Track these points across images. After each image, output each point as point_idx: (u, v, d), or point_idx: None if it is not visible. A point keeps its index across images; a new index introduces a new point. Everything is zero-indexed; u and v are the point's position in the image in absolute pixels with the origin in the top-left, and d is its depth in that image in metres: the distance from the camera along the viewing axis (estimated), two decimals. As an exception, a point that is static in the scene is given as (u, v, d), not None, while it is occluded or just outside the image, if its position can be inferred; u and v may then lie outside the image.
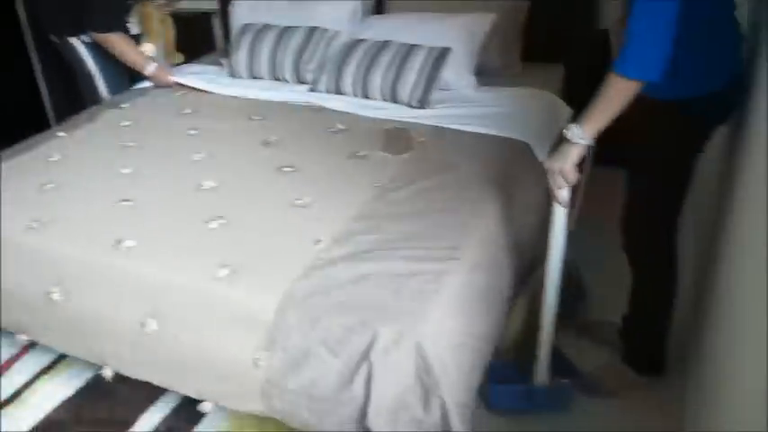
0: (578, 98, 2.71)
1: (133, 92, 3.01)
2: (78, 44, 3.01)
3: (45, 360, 2.23)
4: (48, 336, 1.98)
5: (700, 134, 1.80)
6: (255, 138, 2.43)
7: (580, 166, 1.73)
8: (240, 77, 3.04)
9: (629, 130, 1.81)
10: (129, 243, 1.85)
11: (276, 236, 1.85)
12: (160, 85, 3.01)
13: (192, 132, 2.52)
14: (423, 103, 2.61)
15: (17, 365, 2.23)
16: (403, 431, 1.53)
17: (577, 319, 2.29)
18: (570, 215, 1.83)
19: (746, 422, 1.14)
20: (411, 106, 2.63)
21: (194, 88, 2.97)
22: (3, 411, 2.07)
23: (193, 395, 1.80)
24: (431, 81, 2.62)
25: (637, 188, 1.93)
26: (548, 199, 1.84)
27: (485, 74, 2.87)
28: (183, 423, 1.98)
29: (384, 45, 2.75)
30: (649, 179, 1.88)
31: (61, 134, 2.60)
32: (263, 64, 2.97)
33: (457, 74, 2.74)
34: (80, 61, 3.05)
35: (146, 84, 3.06)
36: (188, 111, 2.74)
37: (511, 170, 2.21)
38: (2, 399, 2.11)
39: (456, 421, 1.52)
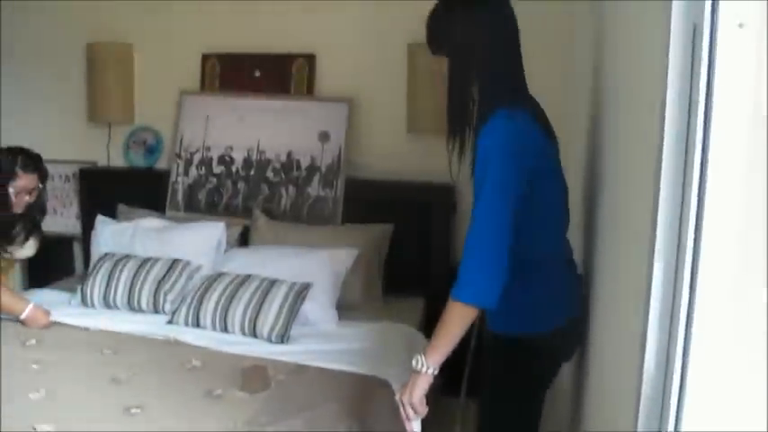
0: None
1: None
2: None
3: None
4: None
5: (546, 370, 1.86)
6: (104, 373, 2.30)
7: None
8: (93, 307, 2.93)
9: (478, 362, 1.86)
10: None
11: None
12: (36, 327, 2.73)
13: (35, 367, 2.35)
14: (283, 339, 2.60)
15: None
16: None
17: None
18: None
19: None
20: (271, 341, 2.60)
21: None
22: None
23: None
24: (292, 316, 2.63)
25: (488, 418, 1.93)
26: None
27: (346, 308, 2.93)
28: None
29: (246, 278, 2.77)
30: (500, 410, 1.89)
31: None
32: (119, 293, 2.90)
33: (319, 309, 2.78)
34: None
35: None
36: (32, 342, 2.57)
37: (370, 408, 2.18)
38: None
39: None
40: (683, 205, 0.94)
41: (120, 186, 3.67)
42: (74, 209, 3.83)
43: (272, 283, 2.73)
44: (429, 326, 2.97)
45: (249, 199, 3.37)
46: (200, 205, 3.45)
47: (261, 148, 3.38)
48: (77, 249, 3.85)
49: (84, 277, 3.15)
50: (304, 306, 2.69)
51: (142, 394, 2.16)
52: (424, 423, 2.02)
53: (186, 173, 3.48)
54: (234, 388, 2.23)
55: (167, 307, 2.86)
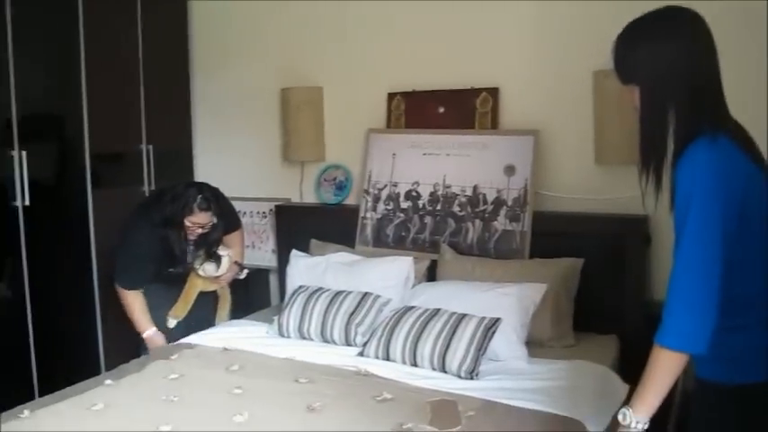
0: (634, 373, 2.67)
1: (182, 344, 3.05)
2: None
3: None
4: None
5: (763, 426, 1.68)
6: (300, 402, 2.38)
7: None
8: (288, 337, 3.07)
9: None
10: None
11: None
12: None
13: (237, 391, 2.49)
14: (472, 375, 2.56)
15: None
16: None
17: None
18: None
19: None
20: (460, 377, 2.58)
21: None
22: None
23: None
24: (481, 351, 2.60)
25: None
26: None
27: (536, 344, 2.86)
28: None
29: (435, 313, 2.77)
30: None
31: (108, 382, 2.60)
32: (313, 325, 3.02)
33: (507, 345, 2.72)
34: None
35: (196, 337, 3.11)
36: (235, 367, 2.73)
37: None
38: None
39: None
40: None
41: (313, 222, 3.84)
42: (270, 243, 4.06)
43: (461, 317, 2.71)
44: (624, 366, 2.83)
45: (436, 233, 3.40)
46: (388, 240, 3.52)
47: (447, 183, 3.40)
48: (273, 281, 4.07)
49: (280, 309, 3.32)
50: (493, 342, 2.65)
51: (336, 423, 2.21)
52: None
53: (374, 208, 3.58)
54: (424, 422, 2.22)
55: (358, 339, 2.94)
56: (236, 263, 3.35)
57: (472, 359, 2.58)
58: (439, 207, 3.41)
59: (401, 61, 3.66)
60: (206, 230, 3.13)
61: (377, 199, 3.57)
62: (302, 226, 3.80)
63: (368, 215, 3.60)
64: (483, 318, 2.70)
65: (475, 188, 3.33)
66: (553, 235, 3.15)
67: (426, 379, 2.58)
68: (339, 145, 3.88)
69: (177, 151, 4.17)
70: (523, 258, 3.18)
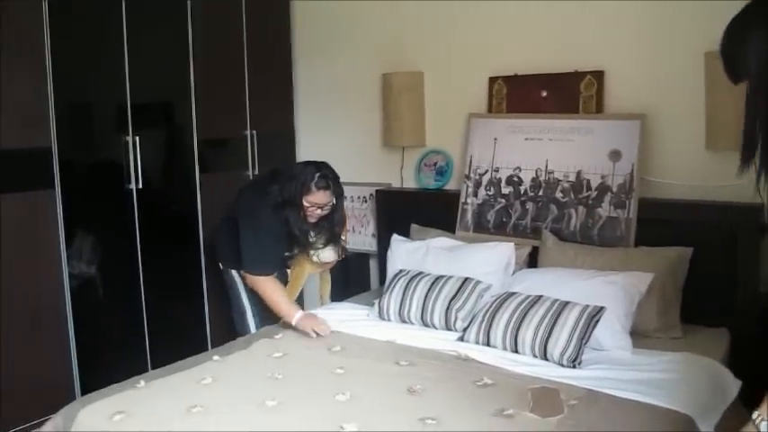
0: (746, 369, 2.56)
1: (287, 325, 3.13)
2: (237, 277, 3.25)
3: None
4: None
5: None
6: (401, 384, 2.40)
7: None
8: (389, 320, 3.11)
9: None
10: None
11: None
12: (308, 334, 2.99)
13: (339, 371, 2.54)
14: (574, 363, 2.52)
15: None
16: None
17: None
18: None
19: None
20: (562, 365, 2.54)
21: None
22: None
23: None
24: (584, 340, 2.55)
25: None
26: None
27: (641, 335, 2.78)
28: None
29: (537, 299, 2.74)
30: None
31: (216, 358, 2.71)
32: (413, 309, 3.04)
33: (611, 334, 2.66)
34: (236, 295, 3.28)
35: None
36: (337, 348, 2.79)
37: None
38: None
39: None
40: None
41: (413, 207, 3.85)
42: (370, 228, 4.10)
43: (564, 305, 2.67)
44: (735, 361, 2.71)
45: (537, 219, 3.35)
46: (488, 225, 3.50)
47: (549, 169, 3.34)
48: (373, 265, 4.12)
49: (380, 292, 3.36)
50: (596, 331, 2.59)
51: (436, 406, 2.22)
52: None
53: (475, 194, 3.56)
54: (525, 409, 2.20)
55: (458, 324, 2.93)
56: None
57: (575, 347, 2.53)
58: (541, 193, 3.35)
59: (503, 45, 3.61)
60: (325, 212, 3.10)
61: (477, 184, 3.55)
62: (402, 211, 3.82)
63: (468, 200, 3.58)
64: (586, 306, 2.64)
65: (578, 174, 3.26)
66: (660, 223, 3.05)
67: (527, 366, 2.55)
68: (440, 130, 3.88)
69: (280, 136, 4.27)
70: (628, 246, 3.09)
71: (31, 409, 3.03)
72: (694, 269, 2.97)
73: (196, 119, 3.74)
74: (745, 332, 2.83)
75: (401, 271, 3.25)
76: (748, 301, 2.88)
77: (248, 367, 2.62)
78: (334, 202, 3.11)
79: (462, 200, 3.60)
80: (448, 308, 2.96)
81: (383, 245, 3.75)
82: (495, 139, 3.53)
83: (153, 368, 2.82)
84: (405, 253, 3.41)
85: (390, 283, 3.20)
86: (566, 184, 3.28)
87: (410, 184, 4.00)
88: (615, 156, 3.19)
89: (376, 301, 3.23)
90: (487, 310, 2.81)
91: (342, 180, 3.18)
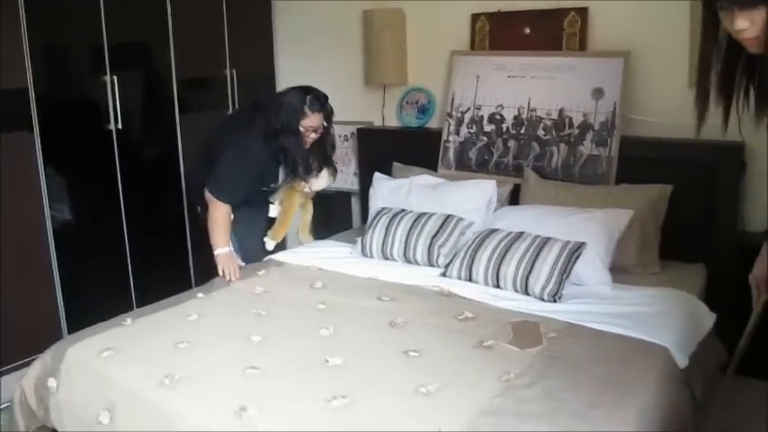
0: (722, 303, 2.62)
1: (270, 261, 3.15)
2: None
3: None
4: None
5: None
6: (383, 318, 2.44)
7: None
8: (371, 257, 3.13)
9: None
10: (252, 412, 1.84)
11: (398, 422, 1.79)
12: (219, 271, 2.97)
13: (322, 307, 2.58)
14: (555, 298, 2.56)
15: None
16: None
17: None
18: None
19: None
20: (543, 300, 2.58)
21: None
22: None
23: None
24: (565, 275, 2.59)
25: None
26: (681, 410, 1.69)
27: (621, 271, 2.82)
28: None
29: (519, 236, 2.77)
30: None
31: (200, 295, 2.74)
32: (396, 246, 3.06)
33: (592, 269, 2.70)
34: None
35: (281, 255, 3.20)
36: (319, 284, 2.82)
37: (648, 376, 2.08)
38: None
39: None
40: None
41: (395, 145, 3.85)
42: (352, 167, 4.10)
43: (545, 240, 2.70)
44: (711, 296, 2.77)
45: (519, 157, 3.36)
46: (470, 163, 3.50)
47: (531, 106, 3.33)
48: (355, 204, 4.13)
49: (362, 230, 3.38)
50: (577, 266, 2.63)
51: (418, 339, 2.26)
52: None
53: (457, 132, 3.55)
54: (504, 341, 2.25)
55: (441, 260, 2.96)
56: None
57: (556, 282, 2.58)
58: (523, 131, 3.35)
59: (486, -20, 3.55)
60: (318, 135, 3.05)
61: (460, 122, 3.54)
62: (384, 149, 3.81)
63: (450, 138, 3.57)
64: (567, 242, 2.68)
65: (561, 111, 3.26)
66: (641, 161, 3.07)
67: (509, 300, 2.59)
68: (422, 68, 3.84)
69: (260, 75, 4.22)
70: (609, 184, 3.12)
71: (18, 349, 3.05)
72: (674, 206, 3.01)
73: (175, 59, 3.67)
74: (721, 268, 2.89)
75: (384, 209, 3.26)
76: (725, 238, 2.93)
77: (232, 304, 2.65)
78: (325, 124, 3.07)
79: (444, 138, 3.59)
80: (430, 244, 2.99)
81: (365, 183, 3.75)
82: (478, 76, 3.51)
83: (138, 307, 2.83)
84: (387, 191, 3.42)
85: (373, 221, 3.21)
86: (548, 122, 3.29)
87: (392, 122, 3.98)
88: (598, 93, 3.18)
89: (359, 239, 3.25)
90: (470, 246, 2.84)
91: (330, 137, 3.16)
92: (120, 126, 3.43)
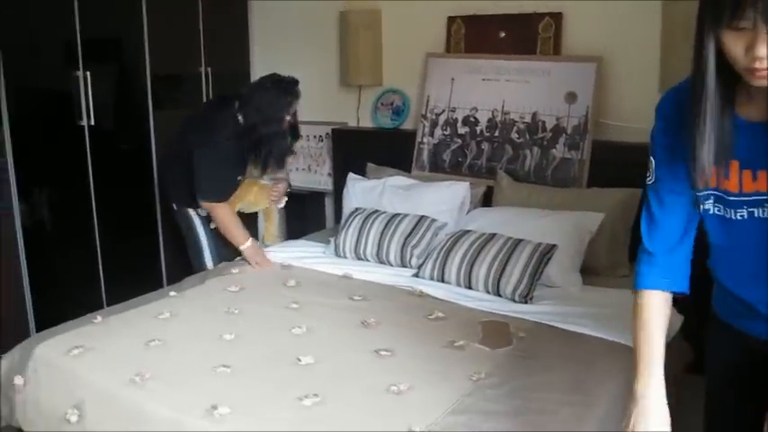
0: (689, 305, 2.66)
1: (243, 261, 3.14)
2: (193, 215, 3.23)
3: None
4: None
5: None
6: (355, 318, 2.45)
7: None
8: (345, 257, 3.14)
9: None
10: (223, 410, 1.84)
11: (369, 421, 1.81)
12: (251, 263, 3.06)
13: (294, 306, 2.58)
14: (526, 299, 2.59)
15: None
16: None
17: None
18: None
19: None
20: (514, 301, 2.61)
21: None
22: None
23: None
24: (536, 276, 2.62)
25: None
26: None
27: (591, 272, 2.86)
28: None
29: (491, 237, 2.79)
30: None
31: (173, 294, 2.72)
32: (369, 246, 3.07)
33: (562, 271, 2.74)
34: (192, 231, 3.25)
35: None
36: (292, 283, 2.82)
37: (615, 376, 2.11)
38: None
39: None
40: None
41: (369, 146, 3.85)
42: (326, 167, 4.10)
43: (517, 242, 2.73)
44: (679, 298, 2.80)
45: (493, 160, 3.39)
46: (444, 165, 3.53)
47: (505, 109, 3.36)
48: (329, 204, 4.13)
49: (336, 230, 3.38)
50: (548, 268, 2.66)
51: (390, 339, 2.28)
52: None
53: (432, 133, 3.57)
54: (475, 341, 2.27)
55: (413, 261, 2.98)
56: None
57: (527, 283, 2.60)
58: (497, 133, 3.38)
59: (462, -17, 3.58)
60: (292, 120, 3.15)
61: (434, 124, 3.56)
62: (358, 150, 3.82)
63: (425, 140, 3.59)
64: (539, 243, 2.71)
65: (534, 115, 3.29)
66: (613, 164, 3.09)
67: (480, 301, 2.62)
68: (397, 69, 3.86)
69: (235, 74, 4.20)
70: (581, 187, 3.16)
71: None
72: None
73: (149, 55, 3.64)
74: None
75: (357, 209, 3.27)
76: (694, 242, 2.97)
77: (205, 302, 2.64)
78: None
79: (419, 139, 3.61)
80: (403, 245, 3.00)
81: (339, 184, 3.76)
82: (453, 79, 3.53)
83: (108, 305, 2.81)
84: (361, 191, 3.43)
85: (346, 221, 3.22)
86: (521, 125, 3.32)
87: (366, 123, 3.99)
88: (571, 98, 3.22)
89: (332, 239, 3.26)
90: (442, 247, 2.86)
91: (298, 119, 3.19)
92: (92, 122, 3.39)
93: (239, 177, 3.21)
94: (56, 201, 3.39)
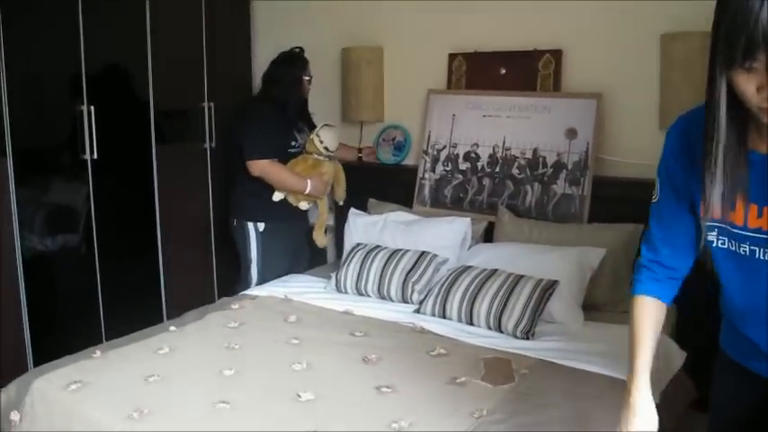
0: (692, 341, 2.65)
1: (244, 296, 3.13)
2: (251, 228, 3.41)
3: None
4: None
5: None
6: (356, 354, 2.44)
7: None
8: (346, 293, 3.13)
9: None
10: (221, 449, 1.82)
11: (369, 459, 1.79)
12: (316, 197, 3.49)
13: (295, 341, 2.56)
14: (528, 335, 2.58)
15: None
16: None
17: None
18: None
19: None
20: (516, 337, 2.59)
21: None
22: None
23: None
24: (537, 313, 2.61)
25: None
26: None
27: (593, 308, 2.85)
28: None
29: (492, 273, 2.79)
30: None
31: (172, 328, 2.70)
32: (370, 282, 3.07)
33: (564, 307, 2.72)
34: (245, 247, 3.44)
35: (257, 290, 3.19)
36: (293, 319, 2.80)
37: (619, 413, 2.08)
38: None
39: None
40: None
41: (371, 181, 3.86)
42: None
43: (519, 278, 2.72)
44: (681, 334, 2.80)
45: (494, 195, 3.40)
46: (445, 201, 3.54)
47: (506, 145, 3.38)
48: (330, 239, 4.11)
49: (337, 265, 3.38)
50: (549, 304, 2.65)
51: (391, 375, 2.26)
52: None
53: (433, 169, 3.59)
54: (477, 377, 2.25)
55: (415, 297, 2.97)
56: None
57: (528, 320, 2.59)
58: (498, 169, 3.40)
59: (463, 22, 3.62)
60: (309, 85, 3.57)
61: (435, 160, 3.58)
62: (360, 185, 3.83)
63: (426, 176, 3.61)
64: (540, 279, 2.70)
65: (535, 151, 3.31)
66: (613, 200, 3.11)
67: (482, 337, 2.60)
68: (399, 105, 3.89)
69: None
70: (582, 223, 3.16)
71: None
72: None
73: (153, 90, 3.67)
74: (691, 307, 2.90)
75: (359, 244, 3.27)
76: (696, 277, 2.95)
77: (205, 337, 2.62)
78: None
79: (420, 175, 3.63)
80: (405, 281, 3.00)
81: (340, 219, 3.76)
82: (454, 115, 3.56)
83: (107, 339, 2.79)
84: (362, 227, 3.43)
85: (348, 256, 3.22)
86: (522, 161, 3.33)
87: (368, 158, 4.00)
88: (571, 134, 3.24)
89: (333, 274, 3.25)
90: (443, 282, 2.85)
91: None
92: (95, 156, 3.41)
93: (290, 143, 3.49)
94: (57, 234, 3.39)
